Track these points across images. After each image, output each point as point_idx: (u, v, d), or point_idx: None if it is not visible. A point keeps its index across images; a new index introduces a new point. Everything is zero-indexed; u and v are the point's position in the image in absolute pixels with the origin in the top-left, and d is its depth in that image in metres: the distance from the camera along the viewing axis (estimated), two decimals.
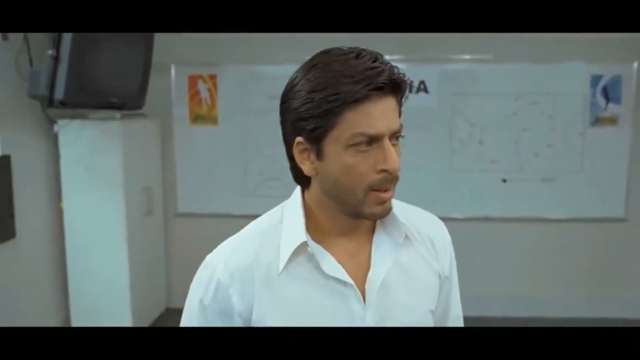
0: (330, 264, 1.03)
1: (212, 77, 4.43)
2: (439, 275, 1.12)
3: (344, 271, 1.03)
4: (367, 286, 1.03)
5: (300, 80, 0.98)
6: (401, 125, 0.98)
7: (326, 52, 0.98)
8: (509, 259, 4.45)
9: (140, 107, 4.01)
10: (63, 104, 3.23)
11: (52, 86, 3.20)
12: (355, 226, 1.06)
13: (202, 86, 4.43)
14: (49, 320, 3.94)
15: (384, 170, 0.96)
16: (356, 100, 0.93)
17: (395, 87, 0.95)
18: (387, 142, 0.96)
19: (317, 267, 1.02)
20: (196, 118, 4.48)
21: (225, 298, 1.04)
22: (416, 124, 4.25)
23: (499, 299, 4.43)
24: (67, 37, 3.19)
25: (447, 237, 1.16)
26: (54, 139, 3.88)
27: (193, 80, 4.43)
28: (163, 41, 4.05)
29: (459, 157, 4.33)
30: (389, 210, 1.02)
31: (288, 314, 1.03)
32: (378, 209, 1.00)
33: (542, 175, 4.29)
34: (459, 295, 1.21)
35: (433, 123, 4.30)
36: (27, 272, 3.68)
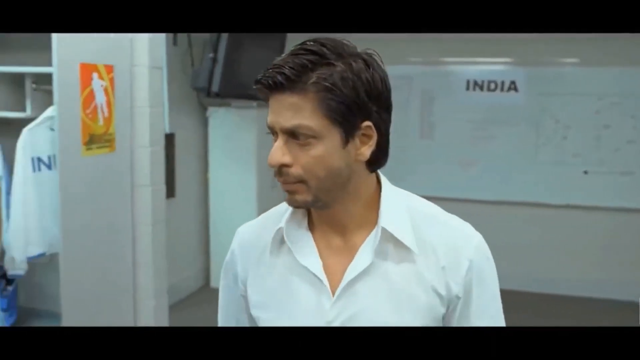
0: (304, 254, 1.04)
1: None
2: (437, 293, 1.00)
3: (317, 263, 1.03)
4: (340, 284, 1.01)
5: None
6: (301, 126, 0.94)
7: None
8: (588, 244, 4.91)
9: None
10: (217, 94, 4.21)
11: (209, 81, 4.19)
12: (335, 219, 1.04)
13: None
14: (194, 263, 5.00)
15: None
16: (258, 90, 0.98)
17: (280, 85, 0.93)
18: (278, 137, 0.96)
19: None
20: None
21: (234, 265, 1.15)
22: (506, 120, 4.85)
23: (576, 280, 4.91)
24: (222, 44, 4.16)
25: (468, 253, 1.02)
26: (206, 122, 4.92)
27: None
28: (292, 42, 4.94)
29: (544, 150, 4.87)
30: (300, 202, 0.99)
31: (266, 294, 1.08)
32: (287, 199, 1.01)
33: (621, 168, 4.72)
34: (486, 320, 1.05)
35: (521, 119, 4.87)
36: (181, 224, 4.72)
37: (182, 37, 4.52)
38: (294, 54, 0.94)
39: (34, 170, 2.67)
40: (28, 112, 2.87)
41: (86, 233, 2.83)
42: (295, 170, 0.96)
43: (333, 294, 1.01)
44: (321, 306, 1.02)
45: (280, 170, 0.97)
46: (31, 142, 2.65)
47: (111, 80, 2.92)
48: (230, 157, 4.91)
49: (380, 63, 0.99)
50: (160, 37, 3.33)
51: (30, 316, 3.22)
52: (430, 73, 5.07)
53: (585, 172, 4.80)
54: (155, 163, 3.29)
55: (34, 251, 2.69)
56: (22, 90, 2.93)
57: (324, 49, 0.94)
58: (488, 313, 1.05)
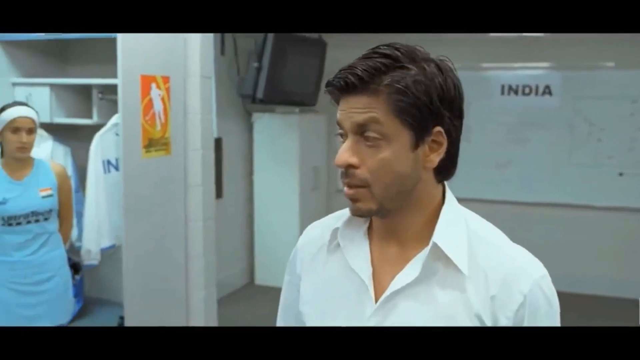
0: (356, 258, 1.03)
1: None
2: (481, 321, 0.95)
3: (367, 268, 1.02)
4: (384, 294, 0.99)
5: None
6: (373, 121, 0.93)
7: None
8: (624, 245, 4.98)
9: (313, 104, 5.18)
10: (262, 101, 4.49)
11: (254, 88, 4.47)
12: (393, 229, 1.02)
13: None
14: (240, 261, 5.28)
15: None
16: (329, 92, 0.98)
17: (352, 86, 0.93)
18: (348, 137, 0.96)
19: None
20: None
21: (295, 261, 1.16)
22: (540, 123, 4.98)
23: (612, 280, 4.99)
24: (266, 53, 4.43)
25: (524, 288, 0.95)
26: (251, 127, 5.20)
27: None
28: (333, 52, 5.17)
29: (578, 153, 4.97)
30: (361, 210, 0.98)
31: (314, 291, 1.09)
32: (349, 205, 0.99)
33: None
34: None
35: (555, 122, 4.99)
36: (228, 223, 5.00)
37: (229, 47, 4.81)
38: (366, 57, 0.94)
39: (104, 171, 2.99)
40: (94, 119, 3.19)
41: (145, 228, 3.13)
42: (362, 173, 0.95)
43: (377, 302, 0.99)
44: (363, 312, 1.00)
45: (347, 171, 0.95)
46: (101, 146, 2.98)
47: (167, 89, 3.22)
48: (273, 160, 5.18)
49: (453, 69, 0.99)
50: (209, 48, 3.61)
51: (94, 304, 3.55)
52: (466, 78, 5.18)
53: (621, 174, 4.88)
54: (206, 165, 3.57)
55: (106, 243, 3.03)
56: (89, 99, 3.26)
57: (398, 53, 0.94)
58: None
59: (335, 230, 1.06)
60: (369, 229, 1.06)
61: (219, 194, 4.74)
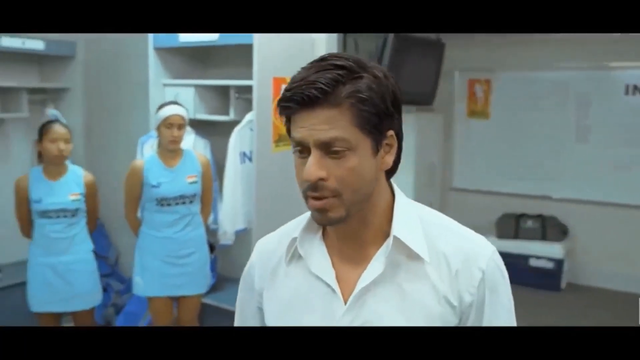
0: (318, 264, 1.05)
1: (487, 81, 5.56)
2: (449, 304, 1.00)
3: (329, 272, 1.04)
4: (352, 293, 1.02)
5: None
6: (338, 139, 0.94)
7: None
8: None
9: (430, 104, 5.34)
10: None
11: None
12: (351, 230, 1.04)
13: (478, 88, 5.61)
14: None
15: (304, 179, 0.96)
16: (285, 108, 0.97)
17: (314, 100, 0.93)
18: (313, 152, 0.95)
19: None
20: (472, 113, 5.68)
21: (252, 277, 1.16)
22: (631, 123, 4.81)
23: None
24: (386, 54, 4.66)
25: (481, 263, 1.01)
26: None
27: (471, 83, 5.63)
28: (450, 52, 5.30)
29: None
30: (332, 219, 0.99)
31: (281, 304, 1.09)
32: (316, 216, 1.00)
33: None
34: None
35: None
36: None
37: (350, 48, 5.09)
38: (322, 69, 0.95)
39: (241, 162, 3.39)
40: (231, 116, 3.60)
41: (273, 213, 3.48)
42: (331, 184, 0.96)
43: (346, 303, 1.02)
44: (333, 315, 1.02)
45: (316, 185, 0.96)
46: (239, 140, 3.38)
47: None
48: None
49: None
50: (333, 50, 3.89)
51: (225, 281, 3.98)
52: (586, 77, 5.14)
53: None
54: None
55: (240, 226, 3.43)
56: (226, 98, 3.67)
57: (350, 63, 0.96)
58: (498, 321, 1.03)
59: (294, 240, 1.08)
60: (324, 233, 1.08)
61: None
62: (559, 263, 5.19)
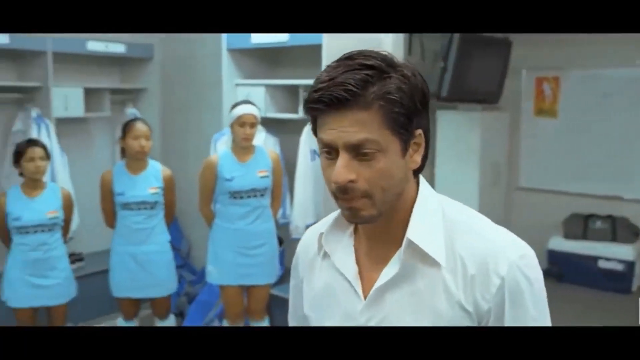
0: (342, 260, 1.06)
1: (556, 79, 5.48)
2: (463, 309, 0.96)
3: (352, 268, 1.04)
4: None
5: None
6: (367, 140, 0.93)
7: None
8: None
9: (496, 102, 5.32)
10: (445, 99, 4.76)
11: (439, 86, 4.75)
12: (378, 228, 1.03)
13: (546, 86, 5.53)
14: None
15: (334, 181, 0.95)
16: (313, 109, 0.95)
17: (343, 101, 0.92)
18: (341, 154, 0.93)
19: None
20: (539, 111, 5.60)
21: (297, 265, 1.19)
22: None
23: None
24: (452, 54, 4.69)
25: (501, 269, 0.95)
26: (434, 123, 5.49)
27: (539, 81, 5.56)
28: (517, 50, 5.26)
29: None
30: (364, 218, 0.98)
31: (314, 295, 1.12)
32: (346, 214, 0.99)
33: None
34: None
35: None
36: None
37: (415, 48, 5.14)
38: (350, 69, 0.93)
39: (311, 159, 3.52)
40: (300, 115, 3.73)
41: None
42: (362, 185, 0.95)
43: (365, 299, 1.02)
44: (354, 312, 1.03)
45: (345, 187, 0.94)
46: (309, 138, 3.51)
47: None
48: (455, 155, 5.42)
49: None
50: (399, 50, 3.96)
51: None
52: None
53: None
54: None
55: (310, 220, 3.57)
56: (296, 97, 3.81)
57: (379, 62, 0.94)
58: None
59: (320, 235, 1.09)
60: (355, 229, 1.08)
61: None
62: (630, 265, 5.05)
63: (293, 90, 3.86)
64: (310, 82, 3.63)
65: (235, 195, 3.23)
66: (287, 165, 3.76)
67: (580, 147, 5.43)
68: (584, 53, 5.22)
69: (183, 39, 4.47)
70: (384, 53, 0.97)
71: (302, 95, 3.72)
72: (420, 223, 1.00)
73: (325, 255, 1.09)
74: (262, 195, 3.28)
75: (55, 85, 3.97)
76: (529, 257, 0.98)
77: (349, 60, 0.95)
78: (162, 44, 4.64)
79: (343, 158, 0.94)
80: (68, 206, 3.36)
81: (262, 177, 3.26)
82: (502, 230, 1.02)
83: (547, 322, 0.99)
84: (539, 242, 4.89)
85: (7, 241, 3.28)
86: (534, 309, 0.97)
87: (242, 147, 3.25)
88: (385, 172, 0.95)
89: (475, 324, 0.97)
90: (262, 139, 3.76)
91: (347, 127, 0.93)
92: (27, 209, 3.19)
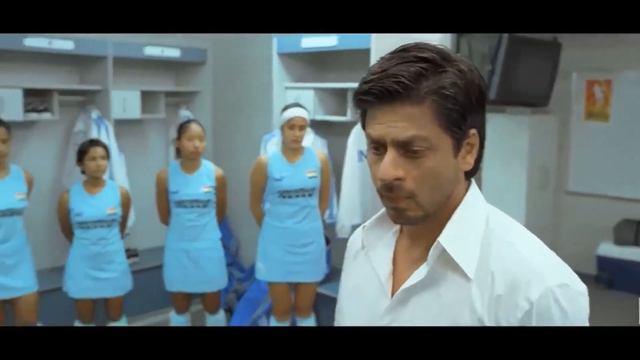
0: (378, 258, 1.03)
1: (608, 82, 5.39)
2: (482, 324, 0.90)
3: (386, 268, 1.01)
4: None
5: None
6: (417, 138, 0.88)
7: None
8: None
9: (545, 105, 5.28)
10: (494, 102, 4.76)
11: (487, 90, 4.76)
12: (422, 232, 0.98)
13: (597, 89, 5.45)
14: None
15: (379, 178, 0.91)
16: (362, 101, 0.91)
17: (395, 94, 0.87)
18: (389, 150, 0.89)
19: None
20: (590, 115, 5.53)
21: (346, 256, 1.17)
22: None
23: None
24: (500, 56, 4.69)
25: (531, 294, 0.87)
26: None
27: (590, 84, 5.48)
28: (567, 52, 5.20)
29: None
30: (406, 219, 0.93)
31: (348, 289, 1.10)
32: (391, 214, 0.95)
33: None
34: None
35: None
36: None
37: (463, 50, 5.15)
38: (404, 61, 0.88)
39: (358, 160, 3.59)
40: (348, 117, 3.81)
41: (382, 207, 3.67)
42: (408, 184, 0.90)
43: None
44: (379, 311, 0.99)
45: (392, 185, 0.90)
46: (357, 139, 3.58)
47: None
48: (502, 158, 5.39)
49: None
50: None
51: (338, 273, 4.18)
52: None
53: None
54: None
55: (356, 221, 3.64)
56: (344, 100, 3.89)
57: (435, 56, 0.89)
58: None
59: (363, 229, 1.07)
60: (401, 228, 1.03)
61: None
62: None
63: (341, 93, 3.94)
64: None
65: (284, 194, 3.33)
66: (334, 167, 3.84)
67: (632, 152, 5.32)
68: (638, 55, 5.13)
69: (235, 44, 4.61)
70: (440, 46, 0.92)
71: (350, 98, 3.80)
72: (457, 229, 0.94)
73: (368, 251, 1.06)
74: (310, 195, 3.37)
75: (115, 88, 4.17)
76: (571, 288, 0.88)
77: (403, 52, 0.90)
78: (214, 49, 4.80)
79: (391, 154, 0.89)
80: (126, 203, 3.53)
81: (310, 177, 3.35)
82: (548, 254, 0.93)
83: None
84: (589, 247, 4.83)
85: (70, 235, 3.47)
86: None
87: (292, 149, 3.35)
88: (434, 171, 0.90)
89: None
90: (310, 140, 3.85)
91: (397, 122, 0.88)
92: (88, 205, 3.37)
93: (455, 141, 0.91)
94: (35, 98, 3.95)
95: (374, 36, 3.43)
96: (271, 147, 3.77)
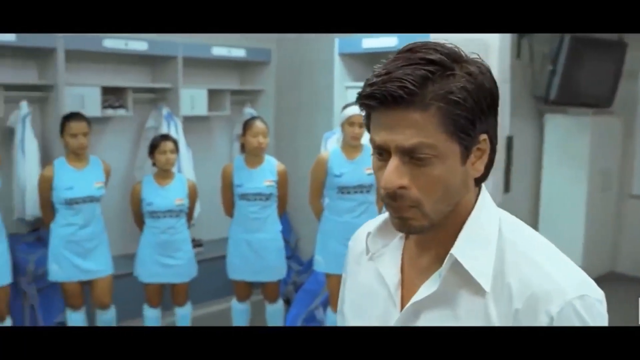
0: (386, 265, 0.99)
1: None
2: None
3: (394, 275, 0.97)
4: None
5: None
6: (423, 145, 0.84)
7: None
8: None
9: (609, 106, 5.20)
10: (554, 102, 4.74)
11: (548, 90, 4.74)
12: (430, 241, 0.94)
13: None
14: None
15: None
16: (365, 105, 0.86)
17: (399, 100, 0.82)
18: (393, 157, 0.85)
19: None
20: None
21: (347, 258, 1.14)
22: None
23: None
24: (562, 56, 4.67)
25: (552, 308, 0.83)
26: (541, 127, 5.45)
27: None
28: (634, 52, 5.10)
29: None
30: (411, 228, 0.90)
31: (353, 293, 1.07)
32: (395, 222, 0.91)
33: None
34: None
35: None
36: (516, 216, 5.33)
37: (524, 51, 5.14)
38: (409, 63, 0.83)
39: None
40: None
41: None
42: (413, 193, 0.86)
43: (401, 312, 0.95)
44: (388, 319, 0.96)
45: (395, 193, 0.86)
46: None
47: None
48: (562, 161, 5.35)
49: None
50: (506, 53, 4.01)
51: None
52: None
53: None
54: (497, 160, 4.00)
55: None
56: None
57: (443, 57, 0.84)
58: None
59: (368, 235, 1.01)
60: (407, 235, 0.99)
61: (506, 188, 5.12)
62: None
63: None
64: None
65: (343, 190, 3.46)
66: None
67: None
68: None
69: (298, 45, 4.77)
70: (449, 46, 0.87)
71: None
72: (470, 240, 0.90)
73: (372, 256, 1.02)
74: (368, 191, 3.48)
75: (184, 86, 4.40)
76: (591, 299, 0.85)
77: (410, 52, 0.85)
78: (278, 49, 4.97)
79: (394, 161, 0.85)
80: (193, 195, 3.74)
81: (369, 174, 3.46)
82: (567, 264, 0.89)
83: None
84: None
85: (141, 224, 3.71)
86: None
87: (351, 146, 3.47)
88: (440, 179, 0.86)
89: None
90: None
91: (401, 129, 0.84)
92: (158, 196, 3.59)
93: (464, 148, 0.87)
94: (112, 96, 4.23)
95: (433, 37, 3.49)
96: (331, 145, 3.90)
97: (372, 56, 4.29)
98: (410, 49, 0.86)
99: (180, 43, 4.34)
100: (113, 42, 4.05)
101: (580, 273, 0.88)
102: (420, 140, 0.83)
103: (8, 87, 3.82)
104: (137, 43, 4.16)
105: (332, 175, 3.47)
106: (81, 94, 3.95)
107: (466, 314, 0.88)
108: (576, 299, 0.84)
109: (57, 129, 3.47)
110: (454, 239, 0.90)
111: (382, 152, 0.87)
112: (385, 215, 0.99)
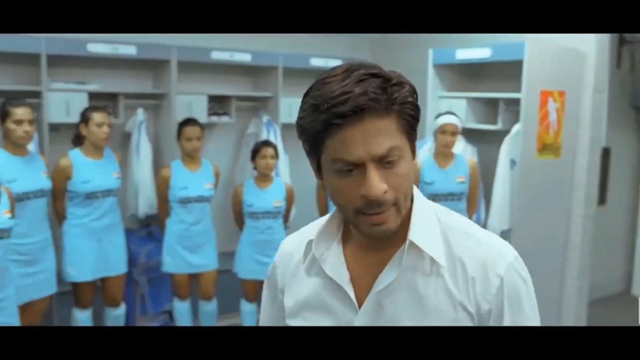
0: (333, 267, 1.03)
1: None
2: (466, 310, 0.97)
3: (344, 275, 1.02)
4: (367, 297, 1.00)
5: (302, 101, 0.97)
6: (392, 148, 0.91)
7: (323, 73, 0.95)
8: None
9: None
10: None
11: None
12: (381, 241, 1.00)
13: None
14: (617, 268, 5.41)
15: (365, 196, 0.92)
16: (325, 129, 0.91)
17: (372, 110, 0.90)
18: (370, 167, 0.91)
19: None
20: None
21: (275, 276, 1.15)
22: None
23: None
24: None
25: (499, 270, 0.97)
26: (638, 136, 5.28)
27: None
28: None
29: None
30: (390, 230, 0.95)
31: (299, 305, 1.09)
32: (373, 230, 0.96)
33: None
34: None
35: None
36: (609, 229, 5.15)
37: (625, 60, 5.01)
38: (361, 79, 0.90)
39: (511, 168, 3.72)
40: (498, 126, 3.95)
41: (531, 214, 3.75)
42: (390, 195, 0.93)
43: (360, 307, 1.01)
44: (348, 319, 1.02)
45: (380, 199, 0.92)
46: (510, 147, 3.72)
47: (562, 102, 3.76)
48: None
49: None
50: (604, 63, 3.93)
51: None
52: None
53: None
54: (591, 171, 3.96)
55: (505, 226, 3.77)
56: (494, 109, 4.03)
57: (382, 71, 0.93)
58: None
59: (310, 242, 1.06)
60: (342, 237, 1.06)
61: (602, 200, 5.00)
62: None
63: (492, 103, 4.07)
64: (510, 95, 3.84)
65: (434, 198, 3.55)
66: (483, 173, 3.99)
67: None
68: None
69: (392, 55, 4.91)
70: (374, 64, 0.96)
71: (502, 107, 3.93)
72: (420, 226, 0.99)
73: (313, 264, 1.07)
74: (458, 199, 3.57)
75: (283, 95, 4.65)
76: (520, 258, 1.01)
77: (352, 72, 0.92)
78: (374, 59, 5.12)
79: (372, 170, 0.91)
80: (290, 198, 3.97)
81: (459, 182, 3.55)
82: (493, 235, 1.04)
83: (537, 317, 1.02)
84: None
85: (241, 224, 3.98)
86: (530, 311, 1.00)
87: (443, 154, 3.57)
88: (405, 175, 0.94)
89: (475, 325, 0.98)
90: (461, 147, 4.04)
91: (372, 138, 0.91)
92: (258, 198, 3.85)
93: (412, 145, 0.97)
94: (216, 103, 4.55)
95: (527, 46, 3.54)
96: (423, 153, 4.01)
97: (465, 66, 4.36)
98: (347, 70, 0.92)
99: (280, 54, 4.59)
100: (220, 54, 4.36)
101: (502, 239, 1.03)
102: (391, 144, 0.91)
103: (128, 96, 4.20)
104: (241, 54, 4.45)
105: (423, 182, 3.58)
106: (190, 101, 4.28)
107: (428, 291, 0.98)
108: (514, 260, 0.99)
109: (169, 134, 3.80)
110: (398, 231, 0.98)
111: (352, 169, 0.92)
112: (320, 222, 1.08)
